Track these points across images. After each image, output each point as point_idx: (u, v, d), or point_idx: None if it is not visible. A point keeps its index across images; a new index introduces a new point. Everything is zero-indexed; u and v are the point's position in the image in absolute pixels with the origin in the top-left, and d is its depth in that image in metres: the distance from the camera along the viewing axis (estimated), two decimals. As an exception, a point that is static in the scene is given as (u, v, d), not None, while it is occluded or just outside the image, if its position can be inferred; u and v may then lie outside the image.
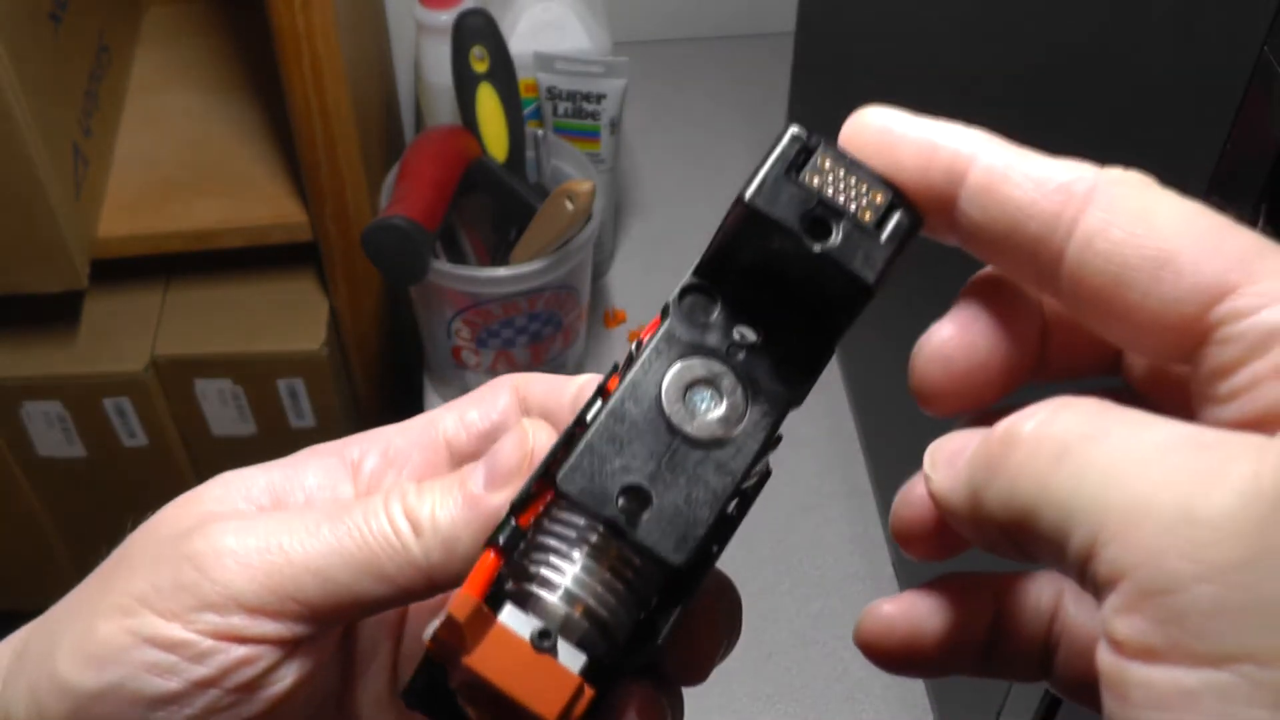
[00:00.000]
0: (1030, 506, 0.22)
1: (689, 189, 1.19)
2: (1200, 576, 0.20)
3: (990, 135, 0.26)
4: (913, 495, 0.28)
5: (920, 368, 0.28)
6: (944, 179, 0.26)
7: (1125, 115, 0.53)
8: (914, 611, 0.29)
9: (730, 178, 1.19)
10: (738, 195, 0.28)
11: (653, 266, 1.13)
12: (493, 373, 0.99)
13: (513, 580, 0.28)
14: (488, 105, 0.97)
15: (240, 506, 0.32)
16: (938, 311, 0.28)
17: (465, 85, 0.96)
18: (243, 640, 0.29)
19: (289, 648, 0.30)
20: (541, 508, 0.29)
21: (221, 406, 1.14)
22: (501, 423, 0.35)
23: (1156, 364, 0.27)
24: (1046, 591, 0.29)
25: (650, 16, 1.32)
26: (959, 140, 0.26)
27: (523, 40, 1.04)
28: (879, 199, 0.28)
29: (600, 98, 1.03)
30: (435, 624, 0.27)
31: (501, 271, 0.93)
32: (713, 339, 0.29)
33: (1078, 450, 0.22)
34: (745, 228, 0.28)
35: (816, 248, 0.27)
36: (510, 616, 0.27)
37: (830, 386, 1.06)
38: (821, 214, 0.27)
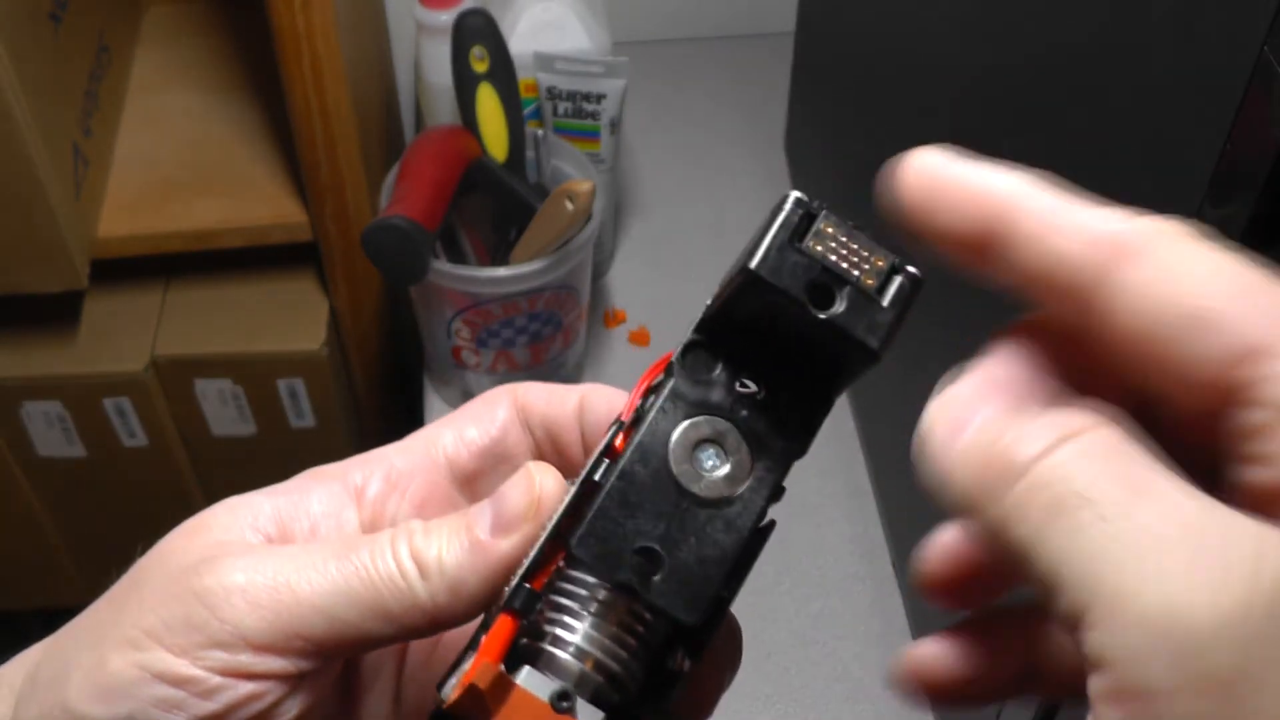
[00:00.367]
0: (1022, 546, 0.22)
1: (689, 189, 1.19)
2: (1184, 687, 0.19)
3: (1034, 179, 0.26)
4: (938, 549, 0.28)
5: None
6: (988, 226, 0.26)
7: (1125, 115, 0.53)
8: (948, 658, 0.29)
9: (730, 178, 1.19)
10: (740, 263, 0.28)
11: (653, 266, 1.13)
12: (493, 373, 0.99)
13: (527, 638, 0.29)
14: (488, 105, 0.97)
15: (247, 534, 0.32)
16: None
17: (465, 85, 0.96)
18: (250, 677, 0.30)
19: (294, 682, 0.30)
20: (553, 569, 0.29)
21: (221, 406, 1.14)
22: (500, 438, 0.35)
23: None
24: None
25: (650, 16, 1.32)
26: (1004, 186, 0.26)
27: (523, 40, 1.04)
28: (881, 263, 0.28)
29: (600, 98, 1.03)
30: (454, 681, 0.28)
31: (501, 271, 0.93)
32: (716, 395, 0.30)
33: (1072, 514, 0.21)
34: (749, 294, 0.28)
35: (821, 315, 0.28)
36: (529, 679, 0.28)
37: (830, 386, 1.06)
38: (825, 281, 0.28)
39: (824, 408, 0.30)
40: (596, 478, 0.29)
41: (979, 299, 0.33)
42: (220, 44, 1.18)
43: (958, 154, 0.27)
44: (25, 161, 0.90)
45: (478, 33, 0.94)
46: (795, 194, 0.28)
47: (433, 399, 1.03)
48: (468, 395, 0.68)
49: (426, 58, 1.04)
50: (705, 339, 0.30)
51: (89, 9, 1.04)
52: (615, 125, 1.05)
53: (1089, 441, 0.22)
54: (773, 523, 0.30)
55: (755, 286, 0.28)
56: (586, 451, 0.34)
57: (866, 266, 0.28)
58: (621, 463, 0.29)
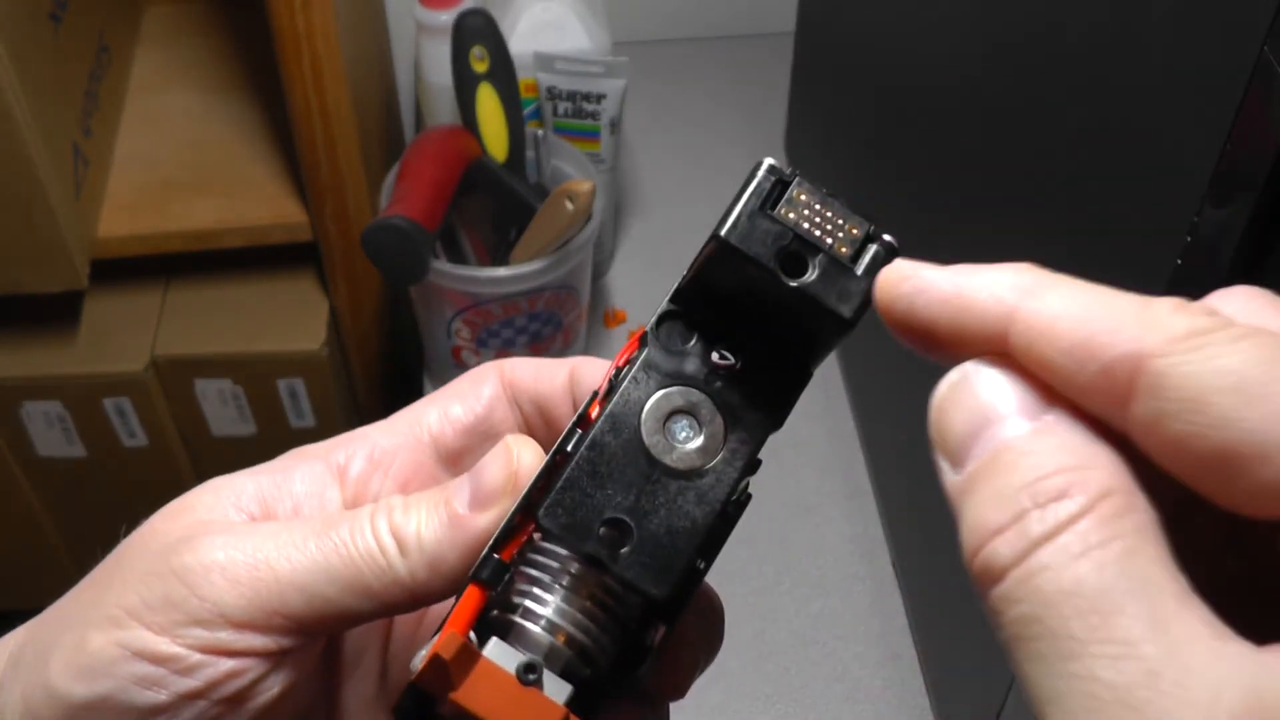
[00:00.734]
0: (1004, 643, 0.21)
1: (689, 189, 1.19)
2: None
3: (1022, 278, 0.24)
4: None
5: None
6: (983, 341, 0.24)
7: (1125, 115, 0.53)
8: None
9: (730, 178, 1.19)
10: (713, 230, 0.28)
11: (653, 266, 1.13)
12: (493, 373, 0.99)
13: (496, 610, 0.29)
14: (488, 105, 0.97)
15: (230, 514, 0.32)
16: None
17: (465, 85, 0.96)
18: (230, 654, 0.29)
19: (275, 659, 0.30)
20: (524, 540, 0.29)
21: (221, 406, 1.14)
22: (486, 415, 0.35)
23: None
24: None
25: (650, 16, 1.32)
26: (990, 303, 0.24)
27: (523, 40, 1.04)
28: (855, 231, 0.28)
29: (600, 98, 1.03)
30: (422, 654, 0.27)
31: (501, 271, 0.93)
32: (691, 366, 0.29)
33: (1033, 643, 0.20)
34: (720, 263, 0.28)
35: (792, 283, 0.27)
36: (495, 650, 0.28)
37: (830, 386, 1.06)
38: (797, 249, 0.27)
39: (801, 380, 0.30)
40: (568, 448, 0.28)
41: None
42: (220, 44, 1.18)
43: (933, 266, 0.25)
44: (25, 161, 0.90)
45: (478, 33, 0.94)
46: (769, 161, 0.28)
47: (433, 399, 1.03)
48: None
49: (426, 58, 1.04)
50: (681, 309, 0.30)
51: (89, 9, 1.04)
52: (615, 125, 1.05)
53: (1069, 545, 0.20)
54: (749, 496, 0.30)
55: (726, 254, 0.27)
56: None
57: (840, 234, 0.28)
58: (592, 432, 0.28)
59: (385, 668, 0.36)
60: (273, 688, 0.30)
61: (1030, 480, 0.21)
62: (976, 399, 0.23)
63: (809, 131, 1.12)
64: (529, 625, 0.28)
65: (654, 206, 1.19)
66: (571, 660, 0.28)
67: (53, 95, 0.94)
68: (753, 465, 0.29)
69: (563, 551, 0.28)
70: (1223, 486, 0.21)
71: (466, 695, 0.27)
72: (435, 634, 0.29)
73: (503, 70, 0.96)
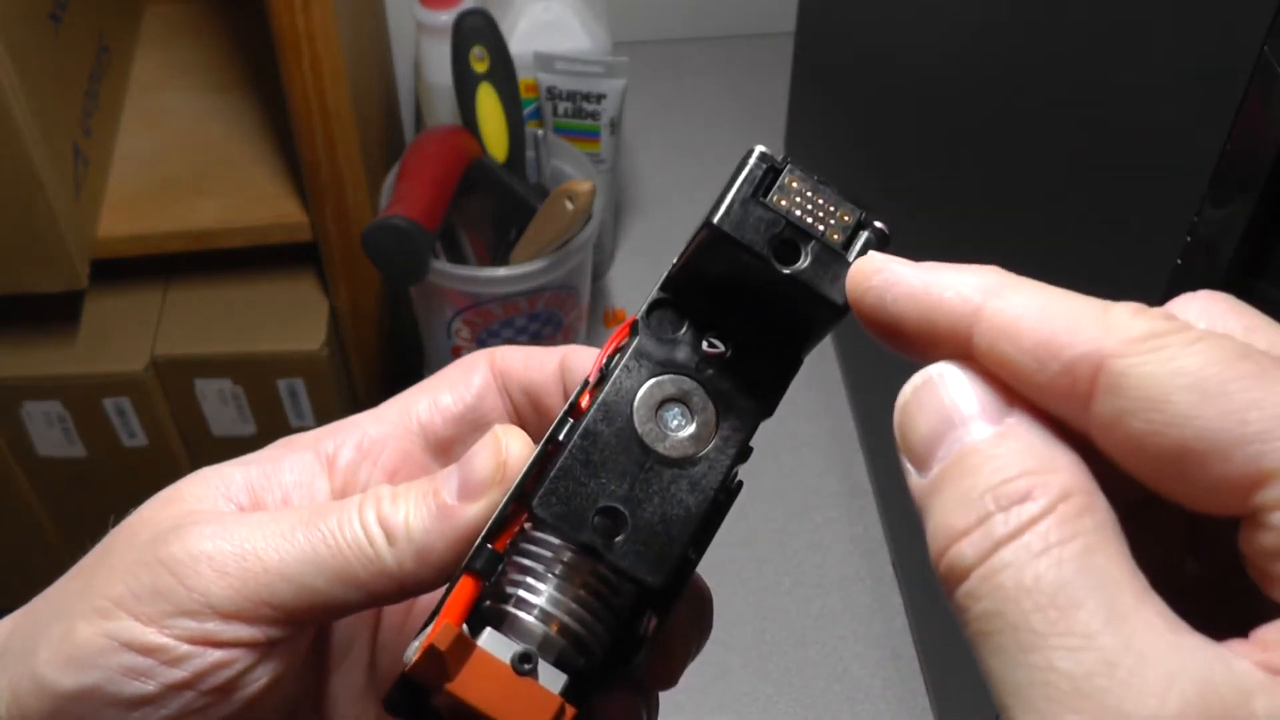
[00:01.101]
0: (969, 636, 0.22)
1: (689, 189, 1.19)
2: None
3: (987, 279, 0.24)
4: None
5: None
6: (949, 338, 0.24)
7: (1125, 115, 0.53)
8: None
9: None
10: (705, 217, 0.28)
11: (653, 266, 1.13)
12: (493, 373, 0.99)
13: (490, 600, 0.28)
14: (488, 105, 0.97)
15: (219, 504, 0.32)
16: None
17: (465, 85, 0.96)
18: (218, 644, 0.29)
19: (263, 650, 0.30)
20: (517, 529, 0.29)
21: (221, 406, 1.14)
22: (475, 404, 0.35)
23: None
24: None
25: (650, 16, 1.32)
26: (956, 301, 0.24)
27: (523, 40, 1.04)
28: (846, 218, 0.28)
29: (600, 98, 1.03)
30: (415, 644, 0.27)
31: (501, 271, 0.93)
32: (682, 354, 0.29)
33: (996, 637, 0.21)
34: (712, 250, 0.28)
35: (785, 270, 0.27)
36: (490, 640, 0.27)
37: (830, 386, 1.06)
38: (790, 236, 0.27)
39: (792, 367, 0.30)
40: (560, 437, 0.28)
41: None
42: (220, 44, 1.18)
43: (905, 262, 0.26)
44: (25, 161, 0.89)
45: (478, 33, 0.94)
46: (760, 148, 0.28)
47: (433, 399, 1.03)
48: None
49: (426, 58, 1.04)
50: (671, 297, 0.30)
51: (89, 9, 1.04)
52: (615, 125, 1.05)
53: (1031, 543, 0.21)
54: (740, 483, 0.30)
55: (718, 242, 0.27)
56: None
57: (832, 221, 0.28)
58: (585, 421, 0.28)
59: (374, 658, 0.36)
60: (261, 678, 0.30)
61: (994, 484, 0.22)
62: (940, 402, 0.23)
63: (809, 131, 1.12)
64: (522, 615, 0.28)
65: (654, 206, 1.19)
66: (566, 649, 0.28)
67: (53, 95, 0.94)
68: (744, 453, 0.29)
69: (556, 540, 0.28)
70: (1180, 484, 0.21)
71: (462, 686, 0.26)
72: (426, 625, 0.29)
73: (503, 70, 0.96)
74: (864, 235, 0.28)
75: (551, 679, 0.28)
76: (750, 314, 0.29)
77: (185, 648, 0.29)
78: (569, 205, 0.91)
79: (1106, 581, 0.20)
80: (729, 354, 0.29)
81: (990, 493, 0.22)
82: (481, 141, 0.97)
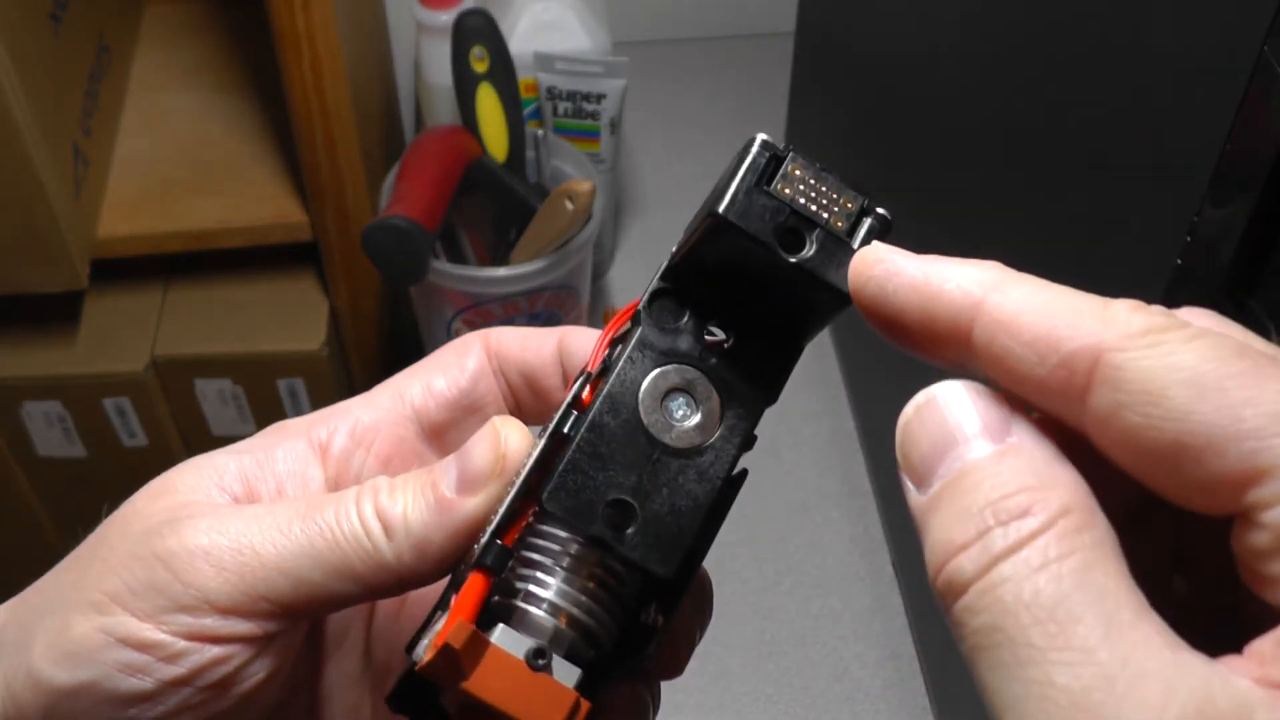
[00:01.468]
0: (966, 652, 0.22)
1: (689, 189, 1.19)
2: None
3: (989, 274, 0.24)
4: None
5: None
6: (949, 331, 0.24)
7: (1126, 115, 0.53)
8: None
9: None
10: (708, 207, 0.28)
11: (653, 266, 1.13)
12: (493, 373, 0.99)
13: (499, 595, 0.28)
14: (488, 105, 0.97)
15: (213, 494, 0.32)
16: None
17: (465, 85, 0.96)
18: (215, 640, 0.29)
19: (260, 644, 0.30)
20: (525, 523, 0.29)
21: (221, 406, 1.14)
22: (470, 389, 0.34)
23: None
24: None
25: (650, 16, 1.32)
26: (957, 294, 0.24)
27: (523, 40, 1.04)
28: (850, 205, 0.28)
29: (600, 98, 1.03)
30: (425, 643, 0.27)
31: (501, 271, 0.93)
32: (685, 344, 0.29)
33: (994, 651, 0.21)
34: (717, 239, 0.28)
35: (791, 259, 0.27)
36: (503, 637, 0.27)
37: (830, 386, 1.06)
38: (794, 224, 0.27)
39: (794, 354, 0.30)
40: (565, 430, 0.28)
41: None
42: (220, 44, 1.18)
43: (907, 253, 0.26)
44: (25, 161, 0.89)
45: (478, 33, 0.94)
46: (762, 136, 0.28)
47: (433, 399, 1.03)
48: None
49: (426, 58, 1.04)
50: (672, 286, 0.29)
51: (89, 9, 1.04)
52: (615, 125, 1.05)
53: (1030, 558, 0.21)
54: (744, 472, 0.30)
55: (724, 231, 0.27)
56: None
57: (836, 209, 0.28)
58: (591, 414, 0.28)
59: (369, 645, 0.35)
60: (258, 673, 0.30)
61: (994, 499, 0.22)
62: (942, 421, 0.23)
63: (809, 131, 1.12)
64: (532, 609, 0.28)
65: (654, 206, 1.19)
66: (576, 642, 0.28)
67: (53, 95, 0.94)
68: (749, 441, 0.29)
69: (562, 534, 0.28)
70: (1174, 480, 0.21)
71: (478, 684, 0.26)
72: (431, 621, 0.29)
73: (503, 70, 0.96)
74: (867, 222, 0.28)
75: (565, 673, 0.28)
76: (751, 301, 0.29)
77: (183, 644, 0.29)
78: (569, 205, 0.91)
79: (1105, 597, 0.20)
80: (731, 342, 0.29)
81: (990, 508, 0.22)
82: (481, 141, 0.97)
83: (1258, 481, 0.20)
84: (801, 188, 0.28)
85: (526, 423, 0.32)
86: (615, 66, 1.02)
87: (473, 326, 0.95)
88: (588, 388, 0.29)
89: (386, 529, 0.30)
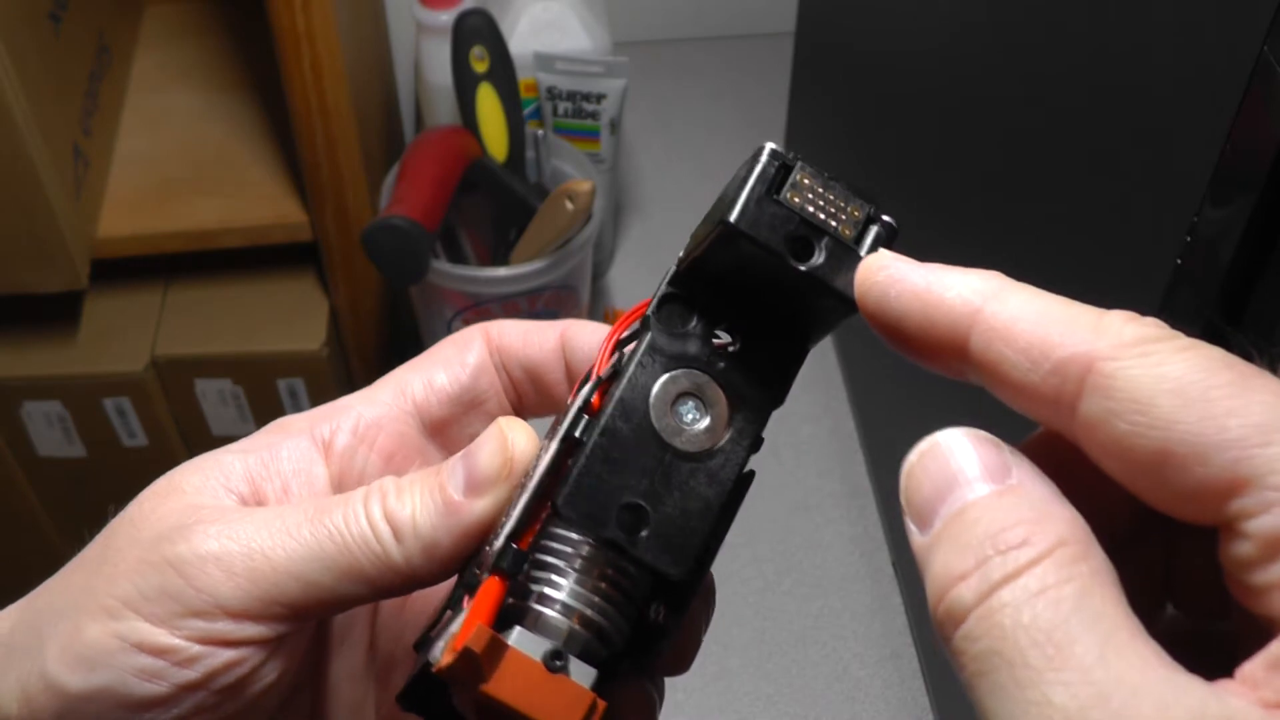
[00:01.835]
0: (964, 681, 0.22)
1: (689, 189, 1.19)
2: None
3: (989, 283, 0.24)
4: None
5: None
6: (948, 338, 0.25)
7: (1126, 115, 0.53)
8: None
9: (730, 178, 1.19)
10: (718, 215, 0.28)
11: (653, 266, 1.13)
12: (493, 373, 0.99)
13: (514, 597, 0.29)
14: (488, 105, 0.97)
15: (220, 495, 0.32)
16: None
17: (465, 85, 0.96)
18: (229, 644, 0.29)
19: (273, 646, 0.30)
20: (539, 527, 0.29)
21: (221, 406, 1.14)
22: (471, 384, 0.35)
23: None
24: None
25: (650, 16, 1.32)
26: (957, 302, 0.25)
27: (523, 40, 1.04)
28: (857, 213, 0.28)
29: (600, 98, 1.03)
30: (441, 644, 0.28)
31: (501, 271, 0.93)
32: (693, 348, 0.30)
33: (993, 675, 0.21)
34: (727, 248, 0.28)
35: (801, 267, 0.28)
36: (521, 639, 0.28)
37: (830, 386, 1.06)
38: (803, 233, 0.28)
39: (799, 356, 0.30)
40: (578, 434, 0.29)
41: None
42: (220, 44, 1.18)
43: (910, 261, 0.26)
44: (25, 161, 0.89)
45: (478, 33, 0.94)
46: (770, 145, 0.28)
47: (433, 399, 1.03)
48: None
49: (426, 58, 1.04)
50: (680, 291, 0.30)
51: (89, 9, 1.04)
52: (615, 125, 1.05)
53: (1028, 584, 0.21)
54: (752, 473, 0.30)
55: (735, 239, 0.28)
56: (571, 388, 0.34)
57: (844, 217, 0.28)
58: (603, 419, 0.28)
59: (373, 640, 0.36)
60: (271, 674, 0.30)
61: (993, 532, 0.22)
62: (944, 465, 0.24)
63: (809, 131, 1.12)
64: (547, 611, 0.28)
65: (654, 206, 1.19)
66: (590, 642, 0.29)
67: (53, 95, 0.94)
68: (757, 443, 0.30)
69: (576, 536, 0.29)
70: (1160, 488, 0.22)
71: (498, 687, 0.27)
72: (440, 619, 0.29)
73: (503, 70, 0.96)
74: (874, 230, 0.28)
75: (582, 674, 0.28)
76: (758, 306, 0.30)
77: (197, 648, 0.29)
78: (569, 205, 0.91)
79: (1102, 619, 0.21)
80: (738, 345, 0.30)
81: (989, 539, 0.22)
82: (481, 141, 0.97)
83: (1241, 491, 0.21)
84: (810, 196, 0.28)
85: (528, 416, 0.33)
86: (615, 66, 1.02)
87: (473, 326, 0.95)
88: (597, 392, 0.29)
89: (395, 532, 0.30)
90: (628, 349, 0.30)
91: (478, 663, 0.27)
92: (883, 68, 0.88)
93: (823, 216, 0.28)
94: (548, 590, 0.29)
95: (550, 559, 0.29)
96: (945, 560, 0.23)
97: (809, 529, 0.98)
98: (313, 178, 0.99)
